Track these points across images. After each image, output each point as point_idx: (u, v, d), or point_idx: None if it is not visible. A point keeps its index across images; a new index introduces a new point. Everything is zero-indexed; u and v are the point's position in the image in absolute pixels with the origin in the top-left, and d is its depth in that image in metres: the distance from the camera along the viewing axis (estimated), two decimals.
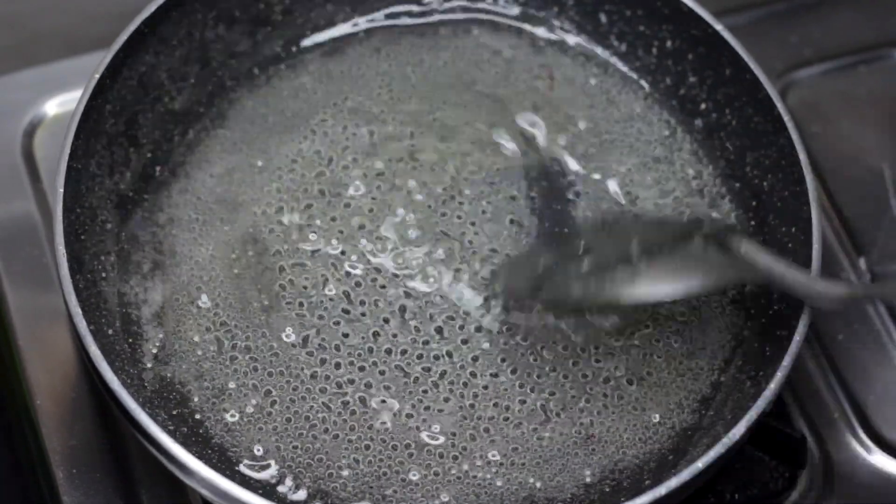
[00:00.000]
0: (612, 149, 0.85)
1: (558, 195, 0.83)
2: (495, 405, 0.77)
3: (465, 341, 0.78)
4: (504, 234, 0.81)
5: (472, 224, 0.82)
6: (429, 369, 0.78)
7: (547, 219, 0.82)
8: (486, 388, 0.78)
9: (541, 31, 0.88)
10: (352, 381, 0.77)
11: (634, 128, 0.86)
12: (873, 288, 0.84)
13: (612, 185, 0.83)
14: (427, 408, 0.77)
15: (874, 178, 0.89)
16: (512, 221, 0.82)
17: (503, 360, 0.78)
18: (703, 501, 0.78)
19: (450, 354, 0.78)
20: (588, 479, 0.76)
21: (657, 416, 0.77)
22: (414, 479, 0.75)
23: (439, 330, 0.78)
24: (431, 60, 0.87)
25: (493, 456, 0.76)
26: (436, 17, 0.88)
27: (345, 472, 0.75)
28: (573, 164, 0.84)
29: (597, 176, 0.84)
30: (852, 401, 0.82)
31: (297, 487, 0.75)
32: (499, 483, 0.75)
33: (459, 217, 0.82)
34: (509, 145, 0.84)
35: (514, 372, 0.78)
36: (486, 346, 0.78)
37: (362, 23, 0.88)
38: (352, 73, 0.86)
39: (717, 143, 0.84)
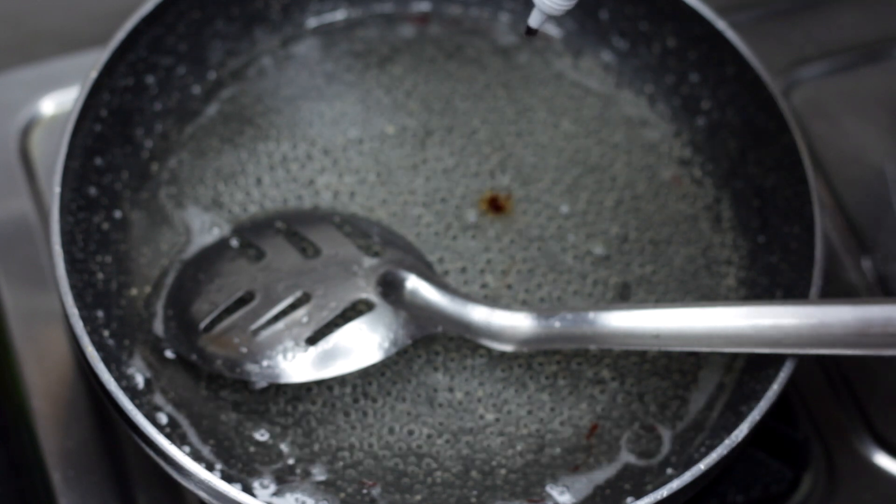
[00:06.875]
0: (611, 149, 0.84)
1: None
2: (494, 406, 0.77)
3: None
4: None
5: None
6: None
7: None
8: (488, 393, 0.77)
9: (541, 29, 0.88)
10: (354, 387, 0.77)
11: (636, 127, 0.85)
12: (572, 328, 0.75)
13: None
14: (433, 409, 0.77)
15: (878, 177, 0.89)
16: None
17: (502, 370, 0.78)
18: (705, 503, 0.78)
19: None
20: (589, 482, 0.76)
21: (658, 417, 0.77)
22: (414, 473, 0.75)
23: None
24: (430, 57, 0.87)
25: (493, 462, 0.76)
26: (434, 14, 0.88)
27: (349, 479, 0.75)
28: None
29: (595, 176, 0.83)
30: (856, 402, 0.82)
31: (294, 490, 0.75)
32: (499, 483, 0.75)
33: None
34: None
35: (511, 377, 0.78)
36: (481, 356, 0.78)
37: (358, 20, 0.88)
38: (350, 71, 0.86)
39: (719, 142, 0.84)
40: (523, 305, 0.79)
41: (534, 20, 0.68)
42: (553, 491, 0.75)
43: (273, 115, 0.84)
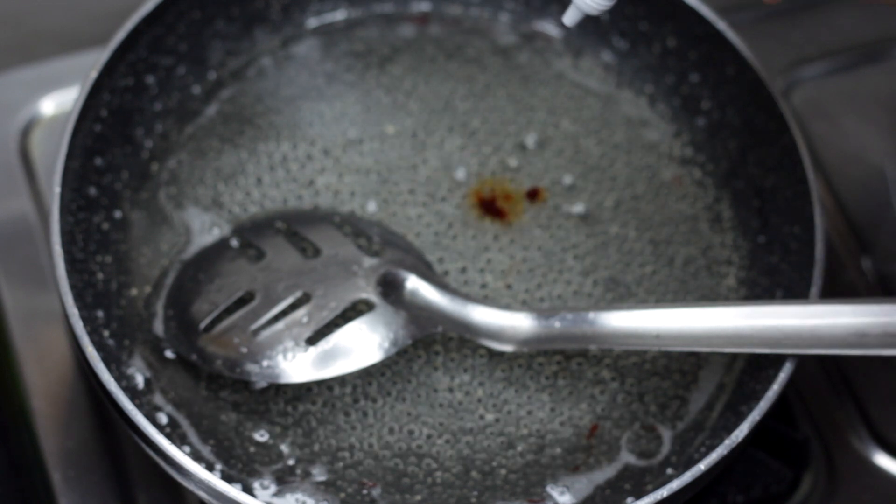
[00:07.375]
0: (611, 149, 0.84)
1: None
2: (494, 406, 0.77)
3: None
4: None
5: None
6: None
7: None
8: (488, 393, 0.77)
9: (541, 29, 0.88)
10: (354, 387, 0.77)
11: (636, 127, 0.85)
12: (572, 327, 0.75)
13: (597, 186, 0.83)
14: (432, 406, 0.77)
15: (878, 177, 0.89)
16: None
17: (502, 370, 0.78)
18: (705, 503, 0.78)
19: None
20: (589, 483, 0.75)
21: (658, 417, 0.77)
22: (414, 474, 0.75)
23: None
24: (430, 57, 0.87)
25: (493, 462, 0.76)
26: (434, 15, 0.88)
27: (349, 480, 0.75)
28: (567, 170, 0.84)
29: (595, 176, 0.83)
30: (856, 402, 0.82)
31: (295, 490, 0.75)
32: (498, 483, 0.75)
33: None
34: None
35: (511, 377, 0.78)
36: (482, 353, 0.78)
37: (358, 20, 0.88)
38: (350, 71, 0.86)
39: (719, 143, 0.84)
40: (523, 305, 0.79)
41: (569, 18, 0.67)
42: (553, 491, 0.75)
43: (273, 115, 0.84)
